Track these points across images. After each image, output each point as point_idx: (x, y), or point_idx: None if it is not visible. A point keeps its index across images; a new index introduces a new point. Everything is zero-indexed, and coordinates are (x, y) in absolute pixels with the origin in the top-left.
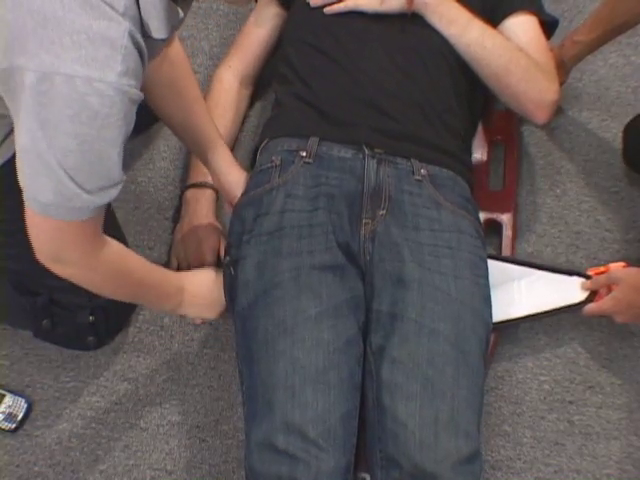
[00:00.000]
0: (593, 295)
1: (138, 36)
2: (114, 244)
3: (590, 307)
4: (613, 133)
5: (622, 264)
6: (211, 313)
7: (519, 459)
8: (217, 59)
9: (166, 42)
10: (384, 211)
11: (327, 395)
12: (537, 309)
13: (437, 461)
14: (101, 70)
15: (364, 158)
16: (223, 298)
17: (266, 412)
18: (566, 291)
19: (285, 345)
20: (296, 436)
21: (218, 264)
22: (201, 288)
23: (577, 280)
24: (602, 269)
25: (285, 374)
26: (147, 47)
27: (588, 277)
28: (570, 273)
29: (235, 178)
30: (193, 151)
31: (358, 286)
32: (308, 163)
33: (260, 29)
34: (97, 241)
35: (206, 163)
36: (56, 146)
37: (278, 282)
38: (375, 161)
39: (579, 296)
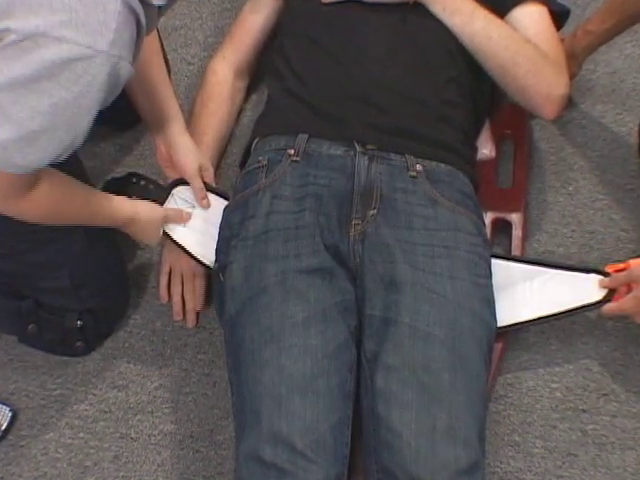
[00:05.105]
0: (612, 294)
1: (135, 2)
2: (52, 185)
3: (610, 307)
4: (628, 127)
5: None
6: (149, 241)
7: (530, 471)
8: (212, 50)
9: (163, 10)
10: (375, 211)
11: (316, 404)
12: (552, 310)
13: (434, 472)
14: (91, 36)
15: (355, 155)
16: (159, 234)
17: (253, 423)
18: (583, 290)
19: (272, 353)
20: (283, 448)
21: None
22: (149, 224)
23: (594, 278)
24: (621, 266)
25: (272, 383)
26: (145, 16)
27: (606, 274)
28: (587, 270)
29: (189, 145)
30: (148, 120)
31: (348, 289)
32: (296, 162)
33: (256, 18)
34: (29, 189)
35: (160, 130)
36: (24, 104)
37: (264, 287)
38: (367, 158)
39: (597, 295)
